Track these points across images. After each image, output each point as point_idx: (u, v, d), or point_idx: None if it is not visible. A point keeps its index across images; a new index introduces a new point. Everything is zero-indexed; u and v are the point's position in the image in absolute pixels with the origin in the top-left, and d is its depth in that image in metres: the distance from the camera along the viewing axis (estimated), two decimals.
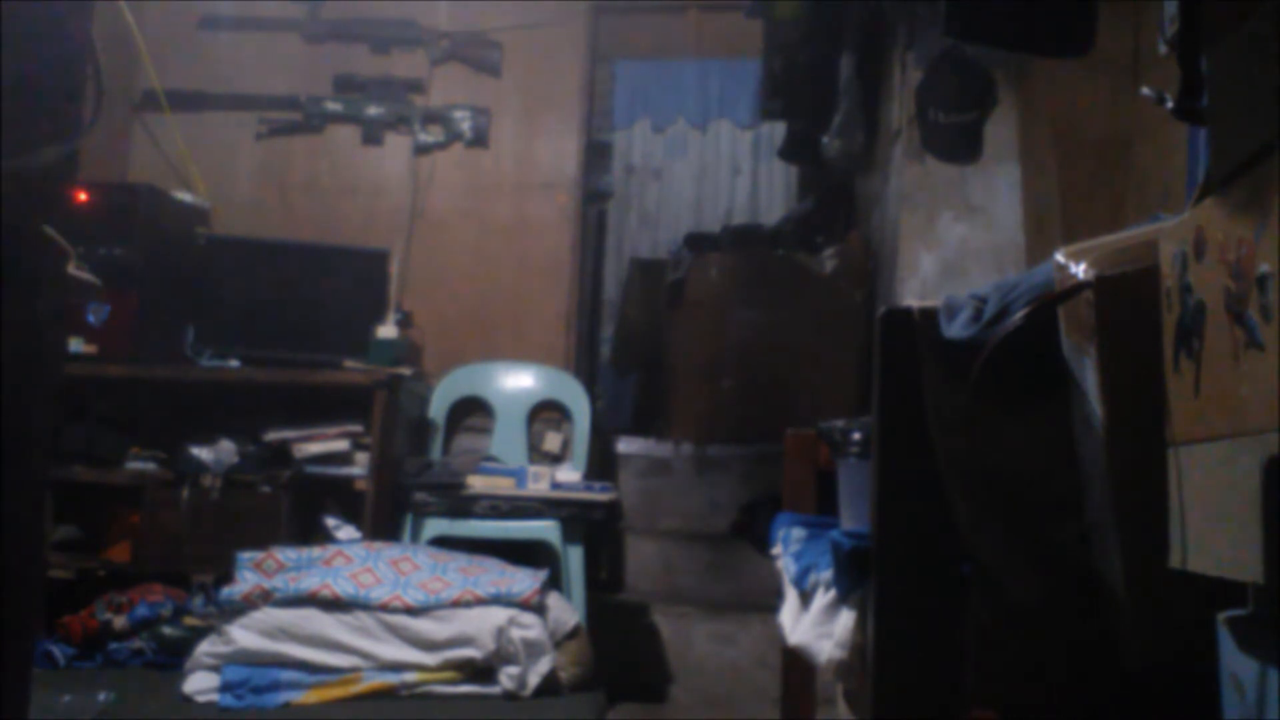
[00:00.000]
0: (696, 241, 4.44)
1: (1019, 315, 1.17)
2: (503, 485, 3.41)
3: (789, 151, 4.37)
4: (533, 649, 2.79)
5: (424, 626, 2.77)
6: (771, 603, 2.46)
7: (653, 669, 3.40)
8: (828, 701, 2.53)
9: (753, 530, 3.69)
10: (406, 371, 3.48)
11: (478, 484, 3.39)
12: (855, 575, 1.53)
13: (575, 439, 3.72)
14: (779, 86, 4.10)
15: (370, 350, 3.49)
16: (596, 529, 3.50)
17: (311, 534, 3.29)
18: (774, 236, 4.34)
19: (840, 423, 1.98)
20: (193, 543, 3.21)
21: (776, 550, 2.23)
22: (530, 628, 2.80)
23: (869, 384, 1.47)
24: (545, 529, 3.34)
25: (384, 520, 3.31)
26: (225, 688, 2.66)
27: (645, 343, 4.14)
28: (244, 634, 2.72)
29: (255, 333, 3.54)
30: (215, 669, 2.71)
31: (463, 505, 3.35)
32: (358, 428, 3.38)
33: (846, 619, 1.56)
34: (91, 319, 3.17)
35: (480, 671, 2.78)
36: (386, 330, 3.56)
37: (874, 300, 3.78)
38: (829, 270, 3.98)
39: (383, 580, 2.82)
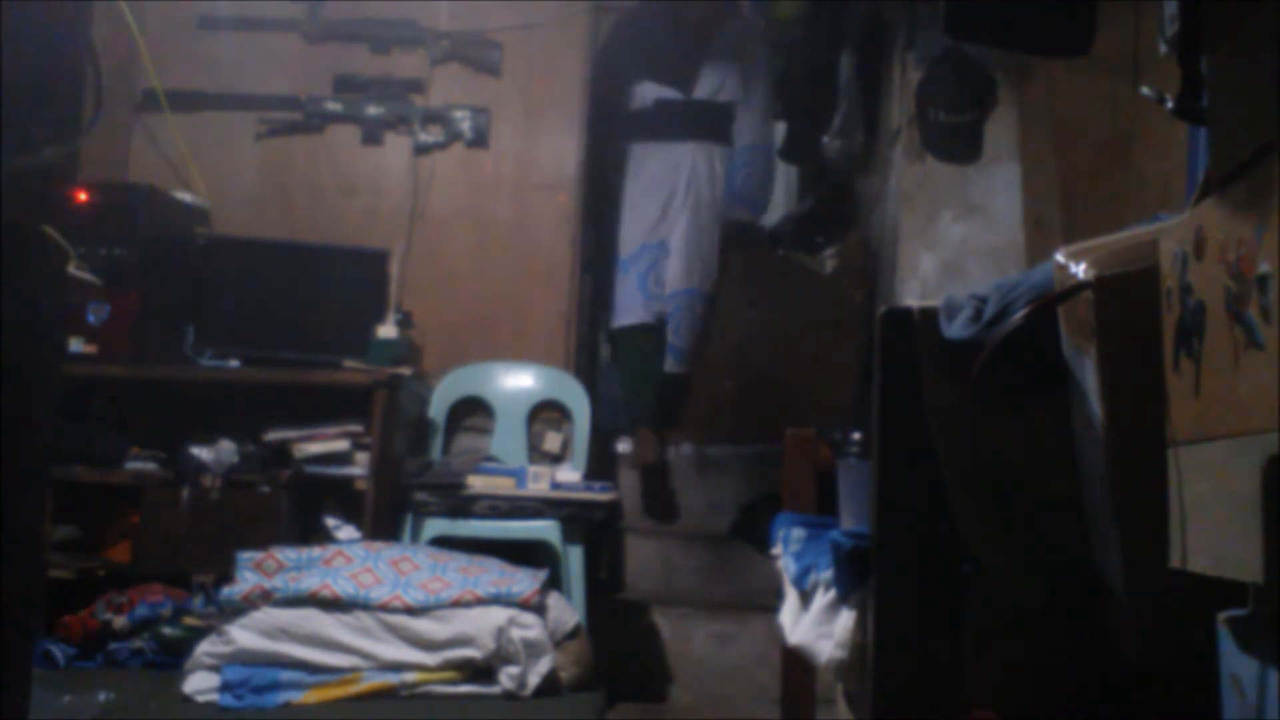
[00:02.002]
0: None
1: (1019, 315, 1.17)
2: (503, 485, 3.40)
3: (789, 151, 4.36)
4: (533, 649, 2.79)
5: (424, 626, 2.77)
6: (771, 603, 2.46)
7: (653, 669, 3.40)
8: (828, 701, 2.54)
9: (753, 530, 3.69)
10: (406, 371, 3.47)
11: (478, 484, 3.39)
12: (855, 575, 1.53)
13: (575, 439, 3.72)
14: (779, 86, 4.10)
15: (370, 350, 3.49)
16: (596, 529, 3.50)
17: (311, 534, 3.29)
18: (774, 236, 4.34)
19: (840, 423, 1.98)
20: (193, 543, 3.20)
21: (776, 550, 2.23)
22: (530, 628, 2.80)
23: (869, 384, 1.47)
24: (545, 529, 3.34)
25: (384, 520, 3.31)
26: (225, 688, 2.66)
27: None
28: (244, 634, 2.72)
29: (255, 333, 3.54)
30: (215, 669, 2.71)
31: (463, 505, 3.35)
32: (358, 428, 3.37)
33: (846, 619, 1.56)
34: (91, 319, 3.18)
35: (480, 671, 2.78)
36: (386, 330, 3.56)
37: (874, 300, 3.78)
38: (829, 270, 3.99)
39: (383, 580, 2.82)
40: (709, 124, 3.98)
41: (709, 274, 3.94)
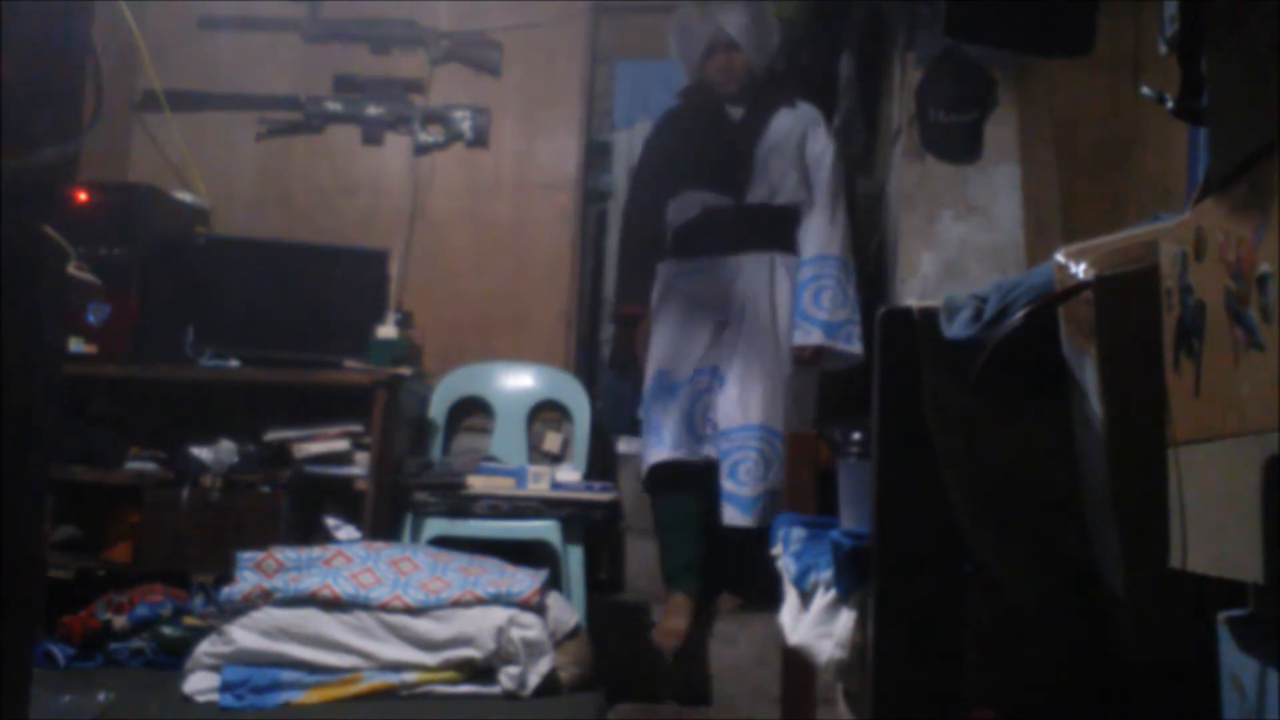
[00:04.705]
0: None
1: (1019, 315, 1.17)
2: (503, 485, 3.41)
3: None
4: (533, 649, 2.79)
5: (424, 626, 2.77)
6: (772, 603, 2.46)
7: (653, 669, 3.40)
8: (828, 701, 2.53)
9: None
10: (406, 371, 3.48)
11: (478, 484, 3.40)
12: (855, 575, 1.53)
13: (575, 439, 3.72)
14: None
15: (370, 350, 3.49)
16: (596, 529, 3.50)
17: (311, 534, 3.29)
18: None
19: (840, 423, 1.98)
20: (193, 543, 3.21)
21: (776, 550, 2.23)
22: (530, 628, 2.81)
23: (869, 384, 1.47)
24: (545, 529, 3.34)
25: (384, 520, 3.31)
26: (225, 688, 2.66)
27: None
28: (244, 634, 2.72)
29: (255, 333, 3.54)
30: (215, 669, 2.71)
31: (463, 505, 3.35)
32: (358, 428, 3.38)
33: (846, 619, 1.56)
34: (91, 319, 3.18)
35: (480, 671, 2.79)
36: (386, 330, 3.56)
37: (874, 300, 3.78)
38: None
39: (383, 580, 2.82)
40: (767, 231, 3.44)
41: (775, 412, 3.31)
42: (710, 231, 3.45)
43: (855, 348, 3.37)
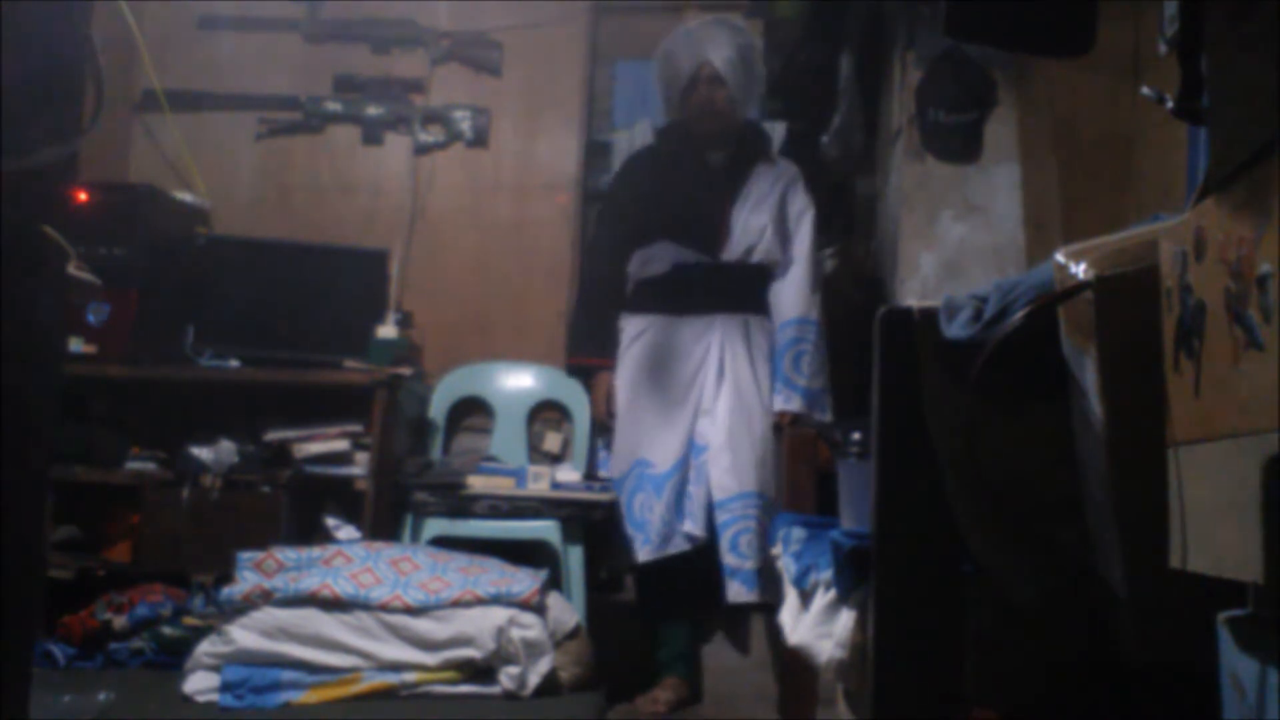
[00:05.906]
0: None
1: (1019, 315, 1.17)
2: (503, 485, 3.40)
3: (789, 151, 4.36)
4: (533, 649, 2.79)
5: (424, 626, 2.77)
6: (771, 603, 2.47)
7: (652, 669, 3.40)
8: (828, 701, 2.54)
9: None
10: (406, 371, 3.47)
11: (478, 484, 3.39)
12: (855, 575, 1.53)
13: (575, 439, 3.72)
14: (779, 86, 4.10)
15: (370, 350, 3.49)
16: (596, 529, 3.49)
17: (311, 534, 3.29)
18: None
19: (840, 423, 1.98)
20: (193, 543, 3.20)
21: (776, 550, 2.23)
22: (530, 628, 2.81)
23: (869, 384, 1.47)
24: (545, 529, 3.34)
25: (384, 520, 3.31)
26: (225, 688, 2.67)
27: None
28: (244, 634, 2.72)
29: (255, 333, 3.54)
30: (215, 669, 2.71)
31: (463, 505, 3.35)
32: (358, 428, 3.38)
33: (846, 619, 1.56)
34: (91, 319, 3.18)
35: (480, 671, 2.79)
36: (386, 330, 3.56)
37: (874, 300, 3.78)
38: (829, 270, 3.98)
39: (383, 580, 2.82)
40: (742, 291, 3.32)
41: (767, 480, 3.18)
42: (681, 289, 3.30)
43: (827, 417, 3.23)
